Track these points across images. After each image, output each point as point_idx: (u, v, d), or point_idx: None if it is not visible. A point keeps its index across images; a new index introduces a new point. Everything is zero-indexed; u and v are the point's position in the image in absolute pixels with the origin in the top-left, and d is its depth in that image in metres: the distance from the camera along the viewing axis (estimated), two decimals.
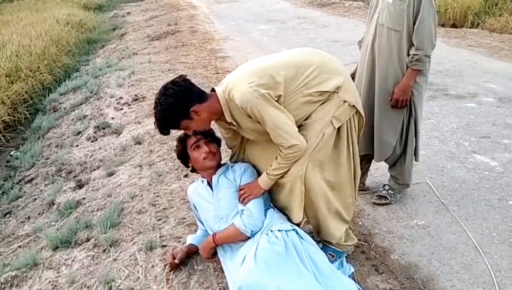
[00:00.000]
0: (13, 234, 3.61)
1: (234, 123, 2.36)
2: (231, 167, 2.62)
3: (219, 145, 2.67)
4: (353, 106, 2.37)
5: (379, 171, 3.58)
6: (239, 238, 2.42)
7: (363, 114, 2.46)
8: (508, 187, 3.31)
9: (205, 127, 2.44)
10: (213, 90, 2.37)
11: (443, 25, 9.05)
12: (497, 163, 3.67)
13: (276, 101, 2.22)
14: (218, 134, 2.69)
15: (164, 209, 3.32)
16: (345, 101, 2.34)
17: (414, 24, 2.76)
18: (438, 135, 4.22)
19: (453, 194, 3.28)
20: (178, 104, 2.25)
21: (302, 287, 2.11)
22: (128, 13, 14.84)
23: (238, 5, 13.88)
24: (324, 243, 2.57)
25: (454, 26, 9.09)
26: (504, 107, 4.75)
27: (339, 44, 8.02)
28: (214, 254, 2.62)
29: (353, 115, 2.40)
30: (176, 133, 2.62)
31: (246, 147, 2.65)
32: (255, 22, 10.89)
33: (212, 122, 2.47)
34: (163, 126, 2.33)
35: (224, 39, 9.22)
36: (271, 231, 2.30)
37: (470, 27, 8.81)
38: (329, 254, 2.53)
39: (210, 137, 2.62)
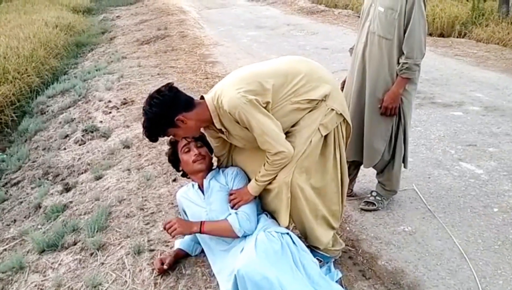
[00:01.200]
0: None
1: (223, 130, 2.38)
2: (222, 171, 2.63)
3: (210, 150, 2.68)
4: (341, 114, 2.40)
5: (366, 177, 3.61)
6: (228, 234, 2.41)
7: (350, 122, 2.49)
8: (493, 195, 3.36)
9: (194, 134, 2.49)
10: (202, 97, 2.39)
11: (430, 35, 9.16)
12: (482, 171, 3.72)
13: (264, 107, 2.24)
14: None
15: (152, 213, 3.30)
16: (332, 109, 2.37)
17: (405, 32, 2.80)
18: (425, 143, 4.27)
19: (439, 201, 3.32)
20: (162, 114, 2.28)
21: (297, 286, 2.12)
22: (117, 16, 14.78)
23: (228, 11, 13.92)
24: (311, 248, 2.58)
25: (441, 35, 9.22)
26: (489, 116, 4.83)
27: (328, 51, 8.08)
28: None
29: (340, 123, 2.43)
30: (165, 139, 2.62)
31: (233, 155, 2.66)
32: (245, 28, 10.94)
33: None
34: (150, 135, 2.38)
35: (214, 44, 9.23)
36: (268, 231, 2.31)
37: (457, 37, 8.95)
38: (317, 259, 2.54)
39: (201, 141, 2.63)
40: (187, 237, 2.77)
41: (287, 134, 2.35)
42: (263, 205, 2.57)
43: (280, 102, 2.30)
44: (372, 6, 2.95)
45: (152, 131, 2.36)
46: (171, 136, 2.48)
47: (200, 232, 2.45)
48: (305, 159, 2.34)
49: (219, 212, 2.49)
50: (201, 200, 2.57)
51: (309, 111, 2.36)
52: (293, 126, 2.38)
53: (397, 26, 2.80)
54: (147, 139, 2.42)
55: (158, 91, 2.33)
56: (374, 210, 3.20)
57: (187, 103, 2.33)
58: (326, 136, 2.39)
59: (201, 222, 2.46)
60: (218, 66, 7.46)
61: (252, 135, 2.28)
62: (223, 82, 2.38)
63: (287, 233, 2.36)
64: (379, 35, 2.88)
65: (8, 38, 9.29)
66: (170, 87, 2.35)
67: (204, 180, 2.58)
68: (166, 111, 2.28)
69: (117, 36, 11.18)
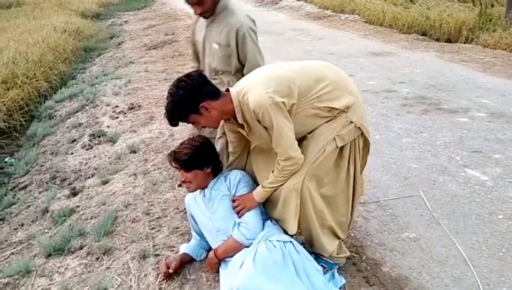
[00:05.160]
0: (6, 241, 3.61)
1: (245, 125, 2.39)
2: (225, 176, 2.64)
3: (214, 164, 2.65)
4: (359, 128, 2.39)
5: (371, 183, 3.61)
6: (241, 248, 2.45)
7: (369, 137, 2.48)
8: (498, 202, 3.35)
9: (214, 125, 2.49)
10: (227, 90, 2.40)
11: (437, 40, 9.16)
12: (488, 177, 3.71)
13: (289, 109, 2.25)
14: None
15: (157, 218, 3.33)
16: (351, 122, 2.36)
17: (240, 62, 2.92)
18: (431, 149, 4.26)
19: (444, 207, 3.32)
20: (189, 97, 2.28)
21: None
22: (125, 21, 14.88)
23: None
24: (316, 255, 2.60)
25: (448, 41, 9.21)
26: (495, 122, 4.81)
27: (334, 56, 8.09)
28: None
29: (358, 137, 2.42)
30: (173, 144, 2.64)
31: (252, 155, 2.68)
32: None
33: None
34: (172, 117, 2.35)
35: None
36: (270, 240, 2.32)
37: (464, 42, 8.92)
38: (321, 265, 2.55)
39: (197, 165, 2.57)
40: (193, 242, 2.80)
41: (303, 140, 2.37)
42: (269, 212, 2.58)
43: (302, 105, 2.30)
44: (206, 43, 3.00)
45: (175, 114, 2.33)
46: (191, 123, 2.47)
47: (218, 259, 2.52)
48: (316, 167, 2.35)
49: (223, 219, 2.52)
50: (206, 209, 2.61)
51: (329, 120, 2.37)
52: (309, 133, 2.39)
53: (234, 58, 2.91)
54: (168, 122, 2.40)
55: (188, 75, 2.33)
56: None
57: (214, 92, 2.34)
58: (342, 148, 2.39)
59: (214, 251, 2.53)
60: None
61: (270, 136, 2.30)
62: (251, 78, 2.39)
63: (290, 241, 2.37)
64: (221, 70, 2.97)
65: (17, 43, 9.40)
66: (200, 74, 2.36)
67: (206, 190, 2.61)
68: (193, 96, 2.28)
69: (124, 41, 11.26)
